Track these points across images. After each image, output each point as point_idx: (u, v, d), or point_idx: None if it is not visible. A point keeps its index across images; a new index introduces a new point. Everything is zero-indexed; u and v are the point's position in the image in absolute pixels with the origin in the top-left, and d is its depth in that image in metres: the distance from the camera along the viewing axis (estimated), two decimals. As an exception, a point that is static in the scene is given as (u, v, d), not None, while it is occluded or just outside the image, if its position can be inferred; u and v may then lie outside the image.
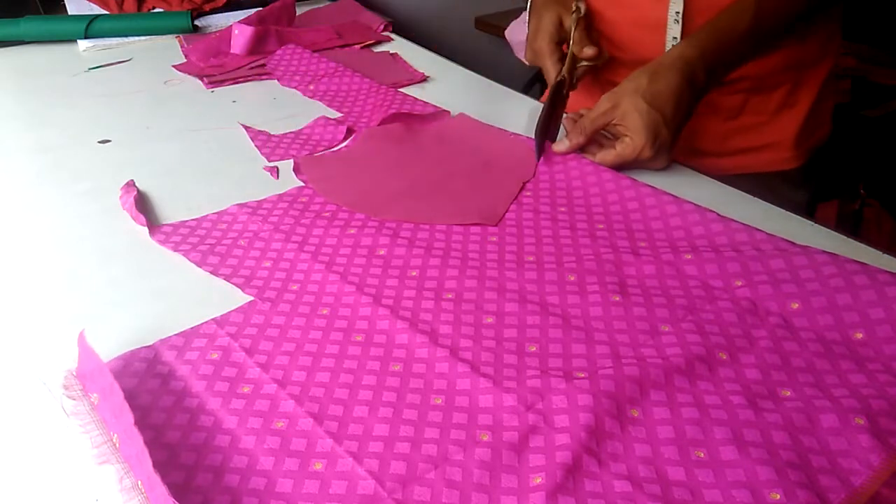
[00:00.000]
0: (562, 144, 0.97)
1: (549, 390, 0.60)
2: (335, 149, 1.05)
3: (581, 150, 0.97)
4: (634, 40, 1.12)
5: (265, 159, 1.01)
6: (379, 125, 1.08)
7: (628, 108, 0.92)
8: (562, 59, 1.07)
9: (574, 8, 1.07)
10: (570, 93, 1.07)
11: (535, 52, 1.11)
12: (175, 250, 0.80)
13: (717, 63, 0.97)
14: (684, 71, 0.94)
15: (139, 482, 0.52)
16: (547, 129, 0.99)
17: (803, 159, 1.17)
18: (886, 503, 0.52)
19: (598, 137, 0.98)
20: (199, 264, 0.77)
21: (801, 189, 1.18)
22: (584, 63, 1.07)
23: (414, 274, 0.75)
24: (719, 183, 0.94)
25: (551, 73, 1.06)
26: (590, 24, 1.12)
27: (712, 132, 1.15)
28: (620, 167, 0.94)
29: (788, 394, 0.60)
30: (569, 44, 1.07)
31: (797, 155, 1.16)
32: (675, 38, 1.08)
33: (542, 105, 1.06)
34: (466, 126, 1.08)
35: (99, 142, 1.08)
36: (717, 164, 1.10)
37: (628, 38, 1.13)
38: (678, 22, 1.06)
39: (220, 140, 1.08)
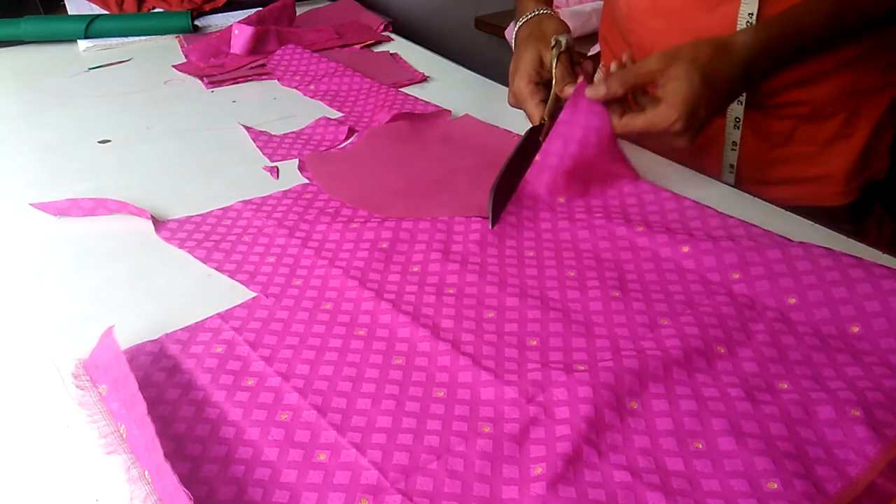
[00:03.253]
0: (597, 90, 0.89)
1: (549, 383, 0.61)
2: (339, 147, 1.05)
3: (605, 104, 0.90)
4: None
5: (265, 159, 1.02)
6: (385, 125, 1.08)
7: (680, 75, 0.85)
8: (545, 100, 0.99)
9: (553, 42, 0.98)
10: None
11: (514, 94, 1.03)
12: (180, 247, 0.81)
13: (776, 63, 0.92)
14: (747, 62, 0.87)
15: (146, 472, 0.53)
16: (509, 186, 0.89)
17: (854, 195, 1.08)
18: (882, 493, 0.53)
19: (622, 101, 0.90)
20: (203, 260, 0.78)
21: (846, 226, 1.03)
22: None
23: (416, 269, 0.76)
24: (718, 182, 0.94)
25: (535, 116, 0.98)
26: (573, 59, 1.01)
27: (757, 158, 1.07)
28: (644, 135, 0.90)
29: (786, 386, 0.60)
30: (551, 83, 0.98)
31: (848, 191, 1.08)
32: None
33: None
34: (471, 126, 1.09)
35: (99, 142, 1.09)
36: (759, 192, 0.97)
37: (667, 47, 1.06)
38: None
39: (220, 140, 1.09)
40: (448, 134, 1.07)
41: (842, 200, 1.08)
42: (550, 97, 0.97)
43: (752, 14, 0.97)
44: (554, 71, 0.97)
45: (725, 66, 0.86)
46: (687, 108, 0.84)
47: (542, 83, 1.00)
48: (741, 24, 0.98)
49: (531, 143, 0.94)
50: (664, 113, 0.85)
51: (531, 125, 0.97)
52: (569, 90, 0.94)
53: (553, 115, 0.95)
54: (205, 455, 0.56)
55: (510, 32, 2.25)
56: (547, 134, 0.93)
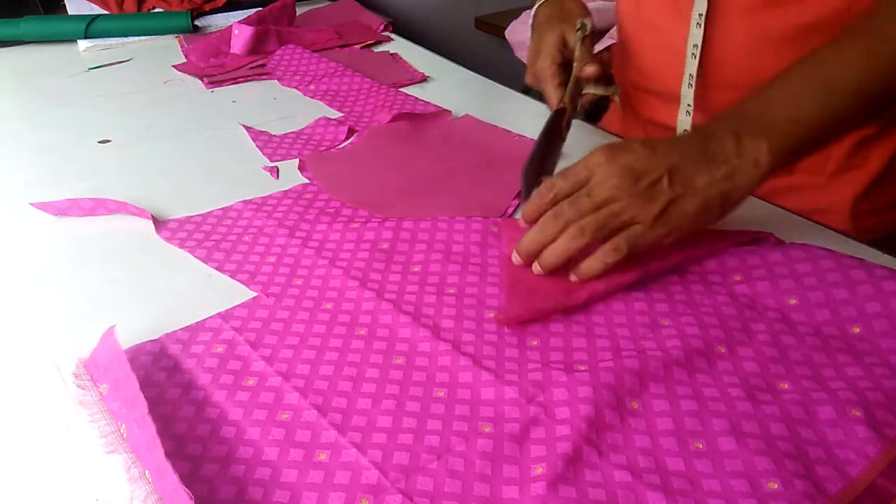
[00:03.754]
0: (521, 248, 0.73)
1: (550, 383, 0.61)
2: (340, 146, 1.05)
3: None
4: (659, 66, 1.01)
5: (265, 159, 1.02)
6: (385, 125, 1.09)
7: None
8: (565, 83, 0.94)
9: (578, 24, 0.94)
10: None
11: (535, 74, 0.98)
12: (181, 247, 0.81)
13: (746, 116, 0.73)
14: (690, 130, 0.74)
15: (146, 472, 0.53)
16: (541, 168, 0.85)
17: (866, 236, 0.93)
18: (882, 493, 0.53)
19: None
20: (204, 260, 0.78)
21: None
22: (591, 91, 0.93)
23: (416, 269, 0.76)
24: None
25: (553, 98, 0.93)
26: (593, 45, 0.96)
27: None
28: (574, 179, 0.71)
29: (786, 386, 0.60)
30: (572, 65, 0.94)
31: (855, 228, 0.97)
32: (690, 75, 0.94)
33: (538, 106, 1.01)
34: (471, 126, 1.09)
35: (99, 142, 1.09)
36: None
37: (653, 64, 1.02)
38: (695, 56, 0.93)
39: (220, 140, 1.09)
40: (448, 134, 1.07)
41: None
42: (571, 80, 0.94)
43: (696, 45, 0.92)
44: (576, 52, 0.94)
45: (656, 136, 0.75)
46: (603, 150, 0.71)
47: (564, 64, 0.96)
48: (687, 56, 0.94)
49: (555, 126, 0.91)
50: (576, 165, 0.71)
51: (553, 109, 0.93)
52: (589, 69, 0.90)
53: (573, 100, 0.93)
54: (205, 454, 0.56)
55: (510, 32, 2.26)
56: (569, 119, 0.92)
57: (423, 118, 1.11)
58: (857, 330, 0.66)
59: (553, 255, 0.71)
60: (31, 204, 0.88)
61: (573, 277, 0.71)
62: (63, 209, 0.88)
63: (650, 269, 0.72)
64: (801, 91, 0.73)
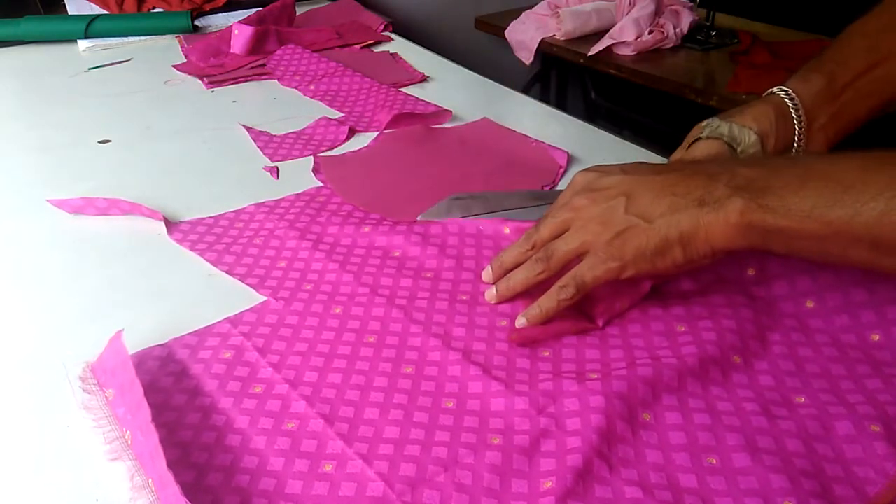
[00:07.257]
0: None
1: (560, 393, 0.60)
2: (355, 150, 1.05)
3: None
4: None
5: (265, 159, 1.01)
6: (400, 128, 1.08)
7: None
8: None
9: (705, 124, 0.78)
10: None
11: None
12: (192, 249, 0.80)
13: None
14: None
15: (149, 480, 0.52)
16: None
17: None
18: (901, 512, 0.52)
19: None
20: (214, 263, 0.77)
21: None
22: None
23: (428, 275, 0.75)
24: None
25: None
26: None
27: None
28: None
29: (802, 400, 0.59)
30: None
31: None
32: None
33: (538, 106, 0.99)
34: (488, 130, 1.08)
35: (99, 142, 1.08)
36: None
37: None
38: None
39: (220, 140, 1.08)
40: (464, 137, 1.06)
41: None
42: None
43: None
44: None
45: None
46: (589, 168, 0.69)
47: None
48: None
49: None
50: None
51: None
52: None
53: None
54: (210, 463, 0.54)
55: (510, 32, 2.26)
56: None
57: (428, 118, 1.11)
58: (876, 337, 0.64)
59: (514, 282, 0.71)
60: (48, 201, 0.88)
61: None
62: (78, 207, 0.87)
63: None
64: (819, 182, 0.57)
